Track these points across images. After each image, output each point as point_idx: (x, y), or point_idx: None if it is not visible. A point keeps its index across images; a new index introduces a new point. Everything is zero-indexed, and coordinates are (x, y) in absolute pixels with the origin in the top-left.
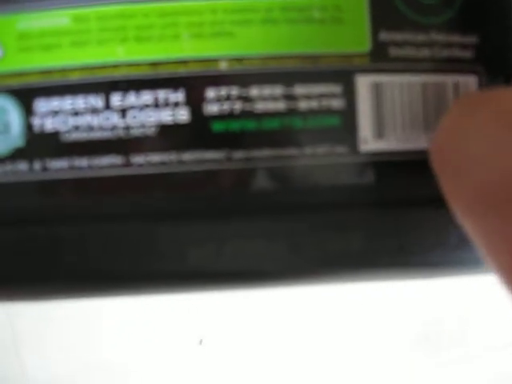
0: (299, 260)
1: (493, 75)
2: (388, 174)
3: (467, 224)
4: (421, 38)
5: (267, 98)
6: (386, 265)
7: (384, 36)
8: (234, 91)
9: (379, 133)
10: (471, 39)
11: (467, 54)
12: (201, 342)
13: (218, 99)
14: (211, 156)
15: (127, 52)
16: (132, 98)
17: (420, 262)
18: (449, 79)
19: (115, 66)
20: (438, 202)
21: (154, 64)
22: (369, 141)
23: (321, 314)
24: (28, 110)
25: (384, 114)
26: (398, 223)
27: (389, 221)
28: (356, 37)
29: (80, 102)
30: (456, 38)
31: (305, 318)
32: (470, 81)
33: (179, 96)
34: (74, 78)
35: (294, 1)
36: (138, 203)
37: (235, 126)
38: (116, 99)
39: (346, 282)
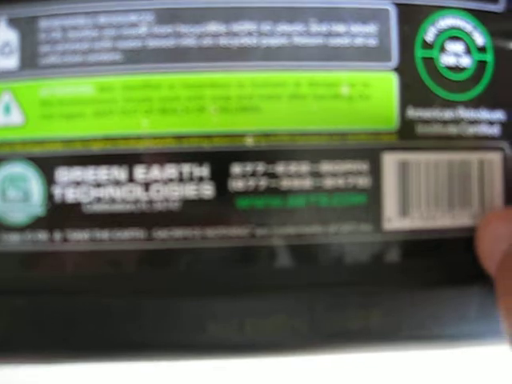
0: (319, 335)
1: None
2: (411, 252)
3: None
4: (448, 114)
5: (293, 175)
6: (407, 340)
7: (412, 113)
8: (260, 167)
9: (404, 211)
10: (498, 115)
11: (493, 131)
12: None
13: (244, 175)
14: (235, 232)
15: (151, 124)
16: (156, 172)
17: (440, 337)
18: (474, 156)
19: (139, 138)
20: (460, 279)
21: (179, 137)
22: (393, 219)
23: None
24: (49, 179)
25: (409, 193)
26: (419, 301)
27: (410, 298)
28: (384, 114)
29: (103, 173)
30: (483, 115)
31: None
32: (494, 158)
33: (204, 171)
34: (97, 148)
35: (323, 76)
36: (160, 278)
37: (260, 202)
38: (140, 172)
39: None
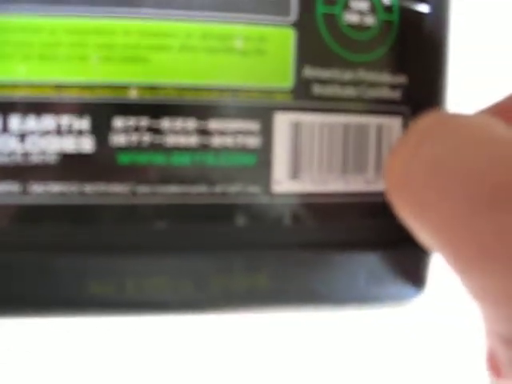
0: (204, 297)
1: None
2: (301, 216)
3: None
4: (348, 75)
5: (179, 132)
6: (294, 303)
7: (309, 72)
8: (144, 122)
9: (294, 174)
10: (400, 79)
11: (395, 95)
12: None
13: (126, 129)
14: (115, 189)
15: (29, 71)
16: (32, 122)
17: (328, 301)
18: (373, 121)
19: (15, 86)
20: (350, 245)
21: (58, 86)
22: (283, 182)
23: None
24: None
25: (301, 155)
26: (307, 265)
27: (298, 262)
28: (279, 71)
29: None
30: (385, 78)
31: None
32: (394, 123)
33: (84, 123)
34: None
35: (216, 27)
36: (35, 234)
37: (142, 159)
38: (15, 122)
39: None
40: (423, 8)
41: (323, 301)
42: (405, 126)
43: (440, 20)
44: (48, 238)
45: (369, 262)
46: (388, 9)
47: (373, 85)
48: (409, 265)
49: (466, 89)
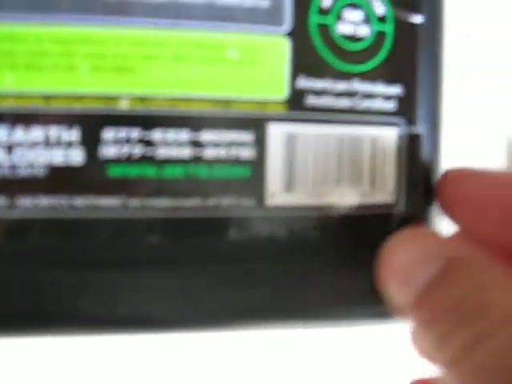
0: (197, 313)
1: (413, 129)
2: (296, 229)
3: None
4: (342, 86)
5: (171, 144)
6: (291, 318)
7: (303, 83)
8: (135, 133)
9: (289, 186)
10: (395, 90)
11: (389, 106)
12: None
13: (117, 141)
14: (106, 203)
15: (16, 81)
16: (20, 134)
17: (324, 316)
18: (367, 132)
19: (2, 97)
20: (344, 258)
21: (47, 97)
22: (277, 195)
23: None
24: None
25: (295, 168)
26: (304, 279)
27: (294, 276)
28: (272, 82)
29: None
30: (379, 88)
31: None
32: (389, 134)
33: (73, 134)
34: None
35: (208, 37)
36: (24, 249)
37: (133, 171)
38: (2, 133)
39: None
40: (417, 19)
41: (319, 316)
42: (400, 137)
43: (434, 30)
44: (36, 253)
45: (366, 277)
46: (382, 19)
47: (367, 96)
48: None
49: (462, 99)
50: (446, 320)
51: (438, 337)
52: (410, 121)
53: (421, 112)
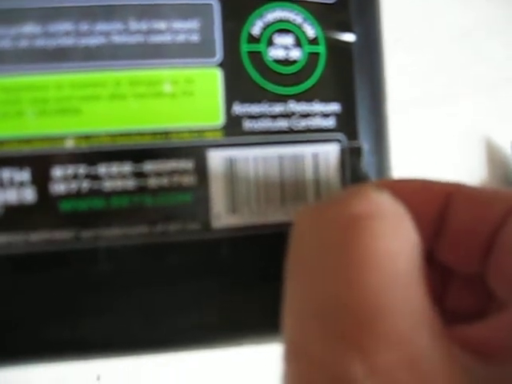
0: (154, 335)
1: (354, 143)
2: (243, 249)
3: None
4: (278, 108)
5: (116, 176)
6: (247, 335)
7: (238, 109)
8: (82, 170)
9: (233, 208)
10: (333, 107)
11: (328, 123)
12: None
13: (65, 178)
14: (59, 236)
15: None
16: None
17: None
18: (308, 150)
19: None
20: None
21: None
22: (222, 217)
23: None
24: None
25: (238, 189)
26: (254, 296)
27: (245, 294)
28: (208, 111)
29: None
30: (317, 107)
31: None
32: (330, 150)
33: (24, 175)
34: None
35: (143, 74)
36: None
37: (83, 205)
38: None
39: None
40: (349, 37)
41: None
42: (342, 151)
43: (370, 47)
44: None
45: None
46: (313, 41)
47: (304, 115)
48: None
49: (405, 113)
50: None
51: None
52: (351, 136)
53: (362, 127)
